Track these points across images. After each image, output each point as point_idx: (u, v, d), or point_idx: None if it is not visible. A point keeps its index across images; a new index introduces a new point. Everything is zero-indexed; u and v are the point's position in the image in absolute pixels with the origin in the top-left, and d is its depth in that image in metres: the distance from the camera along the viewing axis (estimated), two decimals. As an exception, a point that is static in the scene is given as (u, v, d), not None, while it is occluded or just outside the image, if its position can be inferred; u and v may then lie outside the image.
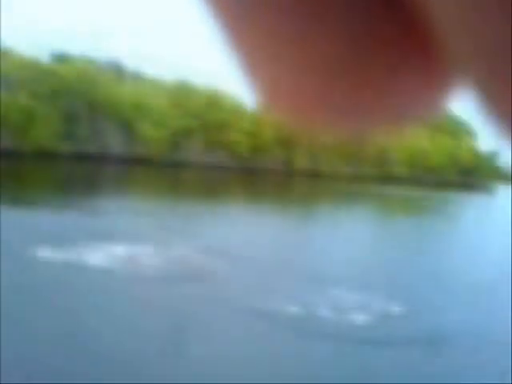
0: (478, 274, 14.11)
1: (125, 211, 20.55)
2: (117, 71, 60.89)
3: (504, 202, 62.40)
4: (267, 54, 0.20)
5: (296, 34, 0.20)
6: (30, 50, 53.65)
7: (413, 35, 0.20)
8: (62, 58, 56.59)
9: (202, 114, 58.57)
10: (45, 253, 11.70)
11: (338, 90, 0.21)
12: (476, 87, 0.17)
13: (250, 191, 40.87)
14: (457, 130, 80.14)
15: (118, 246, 13.11)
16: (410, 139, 69.75)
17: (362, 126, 0.22)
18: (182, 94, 59.65)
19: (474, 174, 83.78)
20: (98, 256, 12.05)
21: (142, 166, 49.37)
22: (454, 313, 10.24)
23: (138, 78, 63.07)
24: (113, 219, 17.88)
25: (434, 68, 0.20)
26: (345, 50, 0.20)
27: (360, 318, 9.11)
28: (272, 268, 12.54)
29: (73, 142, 52.00)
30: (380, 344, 8.07)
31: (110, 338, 7.52)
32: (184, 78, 62.92)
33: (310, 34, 0.19)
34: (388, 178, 66.01)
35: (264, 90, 0.21)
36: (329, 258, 14.75)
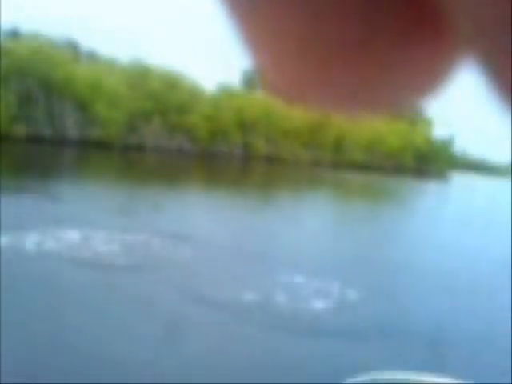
0: (434, 260, 14.38)
1: (81, 196, 20.20)
2: (72, 50, 59.31)
3: (458, 189, 63.87)
4: (273, 33, 0.20)
5: (302, 14, 0.19)
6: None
7: (419, 9, 0.20)
8: (14, 35, 54.81)
9: (159, 97, 57.78)
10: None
11: (343, 70, 0.21)
12: (479, 60, 0.18)
13: (208, 176, 40.73)
14: (413, 116, 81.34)
15: (73, 231, 12.82)
16: (367, 125, 70.60)
17: (365, 105, 0.22)
18: (138, 75, 58.64)
19: (429, 161, 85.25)
20: (52, 242, 11.80)
21: (99, 149, 48.58)
22: (408, 299, 10.42)
23: (93, 57, 61.64)
24: (69, 204, 17.54)
25: (440, 41, 0.20)
26: (349, 29, 0.20)
27: (318, 305, 9.18)
28: (230, 254, 12.51)
29: (28, 124, 50.58)
30: (339, 332, 8.13)
31: (65, 324, 7.36)
32: (141, 59, 61.83)
33: (315, 14, 0.19)
34: (346, 164, 66.68)
35: (269, 68, 0.21)
36: (287, 243, 14.80)
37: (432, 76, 0.21)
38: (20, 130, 49.66)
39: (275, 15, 0.20)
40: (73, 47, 60.50)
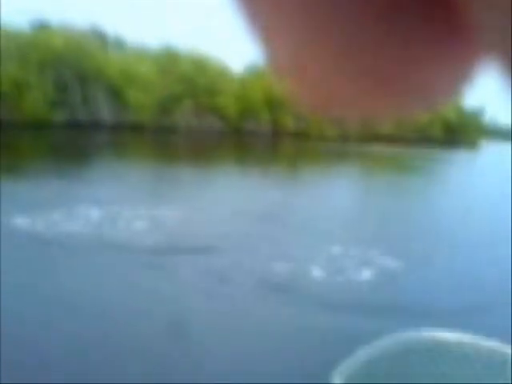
0: (466, 230, 14.42)
1: (115, 178, 20.71)
2: (100, 39, 59.78)
3: (489, 158, 62.99)
4: (285, 27, 0.20)
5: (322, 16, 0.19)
6: (7, 19, 53.17)
7: (443, 11, 0.19)
8: (42, 27, 55.55)
9: (189, 80, 58.32)
10: (28, 221, 11.38)
11: (358, 70, 0.20)
12: (502, 62, 0.17)
13: (239, 153, 41.13)
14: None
15: (103, 211, 12.81)
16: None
17: (381, 106, 0.22)
18: (167, 60, 59.21)
19: (458, 131, 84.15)
20: (82, 222, 11.69)
21: (132, 133, 49.42)
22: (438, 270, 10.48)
23: (121, 45, 62.18)
24: (104, 186, 18.02)
25: (462, 42, 0.20)
26: (366, 31, 0.19)
27: (362, 275, 9.09)
28: (264, 229, 12.68)
29: (64, 110, 52.47)
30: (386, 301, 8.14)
31: (90, 313, 7.01)
32: (169, 44, 62.43)
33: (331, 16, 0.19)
34: (374, 137, 66.33)
35: (279, 63, 0.21)
36: (319, 216, 14.94)
37: (454, 76, 0.21)
38: (58, 115, 51.59)
39: (290, 11, 0.19)
40: (100, 36, 61.00)
